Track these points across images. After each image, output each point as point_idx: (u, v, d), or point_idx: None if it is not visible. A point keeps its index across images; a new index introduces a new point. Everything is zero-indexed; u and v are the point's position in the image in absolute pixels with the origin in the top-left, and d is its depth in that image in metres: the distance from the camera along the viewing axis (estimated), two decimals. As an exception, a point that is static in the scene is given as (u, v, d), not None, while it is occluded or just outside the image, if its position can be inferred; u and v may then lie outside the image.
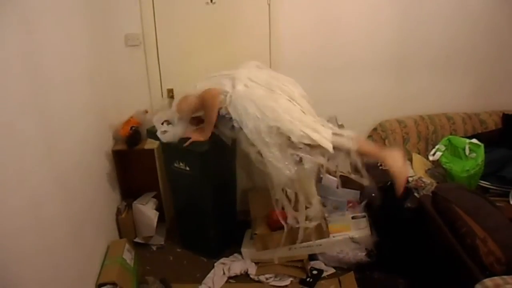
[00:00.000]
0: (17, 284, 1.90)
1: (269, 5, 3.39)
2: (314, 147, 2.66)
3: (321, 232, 3.06)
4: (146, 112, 3.54)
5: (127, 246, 3.17)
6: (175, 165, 3.14)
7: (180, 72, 3.53)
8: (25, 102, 2.08)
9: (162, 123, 3.02)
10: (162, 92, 3.59)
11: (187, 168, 3.09)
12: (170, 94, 3.56)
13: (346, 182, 3.45)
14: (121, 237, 3.43)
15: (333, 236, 3.11)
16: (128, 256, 3.10)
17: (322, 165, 2.80)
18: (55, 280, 2.26)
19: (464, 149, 3.20)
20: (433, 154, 3.35)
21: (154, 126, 3.08)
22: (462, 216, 2.29)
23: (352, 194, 3.45)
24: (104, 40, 3.32)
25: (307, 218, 2.96)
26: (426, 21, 3.59)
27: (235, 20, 3.45)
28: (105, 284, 2.76)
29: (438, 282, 2.55)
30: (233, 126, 2.78)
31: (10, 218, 1.89)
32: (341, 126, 3.64)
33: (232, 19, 3.45)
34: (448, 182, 3.18)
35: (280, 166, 2.67)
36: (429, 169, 3.44)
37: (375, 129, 3.76)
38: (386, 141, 3.63)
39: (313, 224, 2.97)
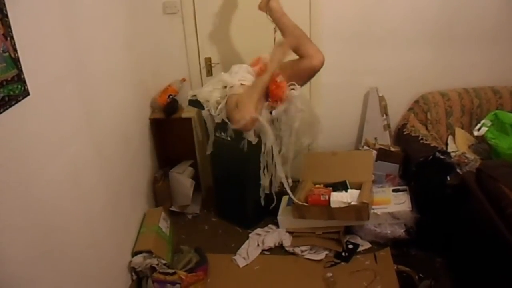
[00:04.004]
0: (58, 249, 1.94)
1: (310, -29, 3.28)
2: None
3: (362, 213, 2.95)
4: (184, 80, 3.53)
5: (163, 214, 3.20)
6: (216, 134, 3.13)
7: (218, 41, 3.50)
8: (65, 70, 2.09)
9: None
10: (199, 61, 3.55)
11: (229, 138, 3.06)
12: (208, 62, 3.53)
13: (385, 155, 3.38)
14: (157, 205, 3.46)
15: (373, 209, 3.04)
16: (164, 224, 3.13)
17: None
18: (93, 247, 2.30)
19: (511, 125, 3.07)
20: (478, 129, 3.24)
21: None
22: (509, 195, 2.20)
23: (390, 168, 3.37)
24: (142, 8, 3.29)
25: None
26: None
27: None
28: (141, 252, 2.80)
29: (479, 263, 2.48)
30: None
31: (50, 185, 1.92)
32: (381, 98, 3.57)
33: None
34: (493, 159, 3.07)
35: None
36: (472, 144, 3.34)
37: (416, 102, 3.64)
38: (428, 114, 3.51)
39: (355, 203, 2.94)
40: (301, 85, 2.96)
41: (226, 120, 2.91)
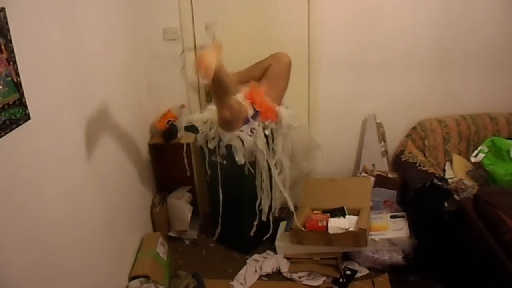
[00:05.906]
0: (56, 271, 1.94)
1: (308, 0, 3.33)
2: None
3: (360, 240, 2.95)
4: (183, 106, 3.55)
5: (160, 239, 3.19)
6: (212, 158, 3.14)
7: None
8: (66, 95, 2.12)
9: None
10: (199, 87, 3.59)
11: (224, 162, 3.07)
12: (207, 89, 3.55)
13: (383, 181, 3.39)
14: (155, 230, 3.46)
15: (371, 235, 3.03)
16: (162, 249, 3.12)
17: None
18: (90, 271, 2.30)
19: (508, 151, 3.09)
20: (475, 156, 3.26)
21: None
22: (506, 222, 2.20)
23: (388, 194, 3.38)
24: (142, 33, 3.34)
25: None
26: (468, 16, 3.44)
27: (273, 15, 3.41)
28: (138, 277, 2.79)
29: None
30: None
31: (49, 208, 1.93)
32: (379, 125, 3.59)
33: (270, 14, 3.41)
34: (491, 185, 3.07)
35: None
36: (470, 171, 3.34)
37: (414, 128, 3.66)
38: (426, 140, 3.52)
39: (353, 229, 2.94)
40: (286, 85, 3.12)
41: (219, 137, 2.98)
